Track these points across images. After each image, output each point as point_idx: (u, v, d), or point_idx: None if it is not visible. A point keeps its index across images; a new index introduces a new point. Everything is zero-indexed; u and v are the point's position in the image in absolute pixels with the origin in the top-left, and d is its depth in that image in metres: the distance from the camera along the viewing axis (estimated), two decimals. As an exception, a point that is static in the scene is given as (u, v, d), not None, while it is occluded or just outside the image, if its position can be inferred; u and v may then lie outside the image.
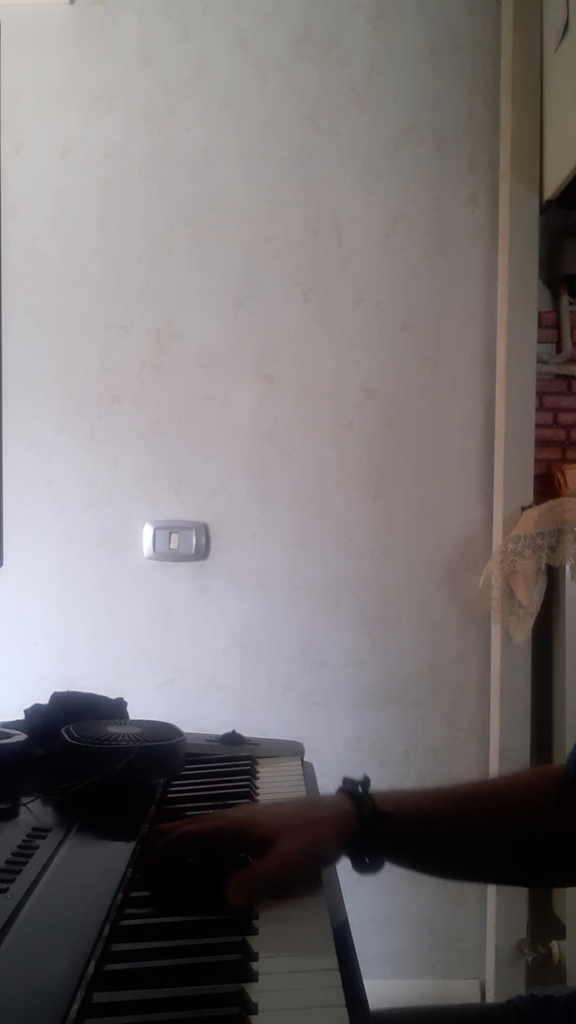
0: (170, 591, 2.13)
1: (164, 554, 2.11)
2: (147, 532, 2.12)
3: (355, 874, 0.79)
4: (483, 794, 0.90)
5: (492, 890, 2.08)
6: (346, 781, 0.82)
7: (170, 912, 0.70)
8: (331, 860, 0.78)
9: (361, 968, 0.64)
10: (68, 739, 0.92)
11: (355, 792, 0.80)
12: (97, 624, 2.13)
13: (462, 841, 0.84)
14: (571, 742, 1.97)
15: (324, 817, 0.78)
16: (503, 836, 0.84)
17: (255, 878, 0.72)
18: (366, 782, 0.82)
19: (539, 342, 2.10)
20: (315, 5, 2.12)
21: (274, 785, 1.03)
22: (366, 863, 0.78)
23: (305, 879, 0.75)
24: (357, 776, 0.84)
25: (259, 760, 1.11)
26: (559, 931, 2.03)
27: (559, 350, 2.15)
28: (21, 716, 1.06)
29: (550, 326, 2.15)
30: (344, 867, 0.80)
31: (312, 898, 0.74)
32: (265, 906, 0.71)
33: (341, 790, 0.82)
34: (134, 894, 0.72)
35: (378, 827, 0.78)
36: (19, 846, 0.77)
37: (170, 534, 2.11)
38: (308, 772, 1.10)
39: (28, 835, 0.80)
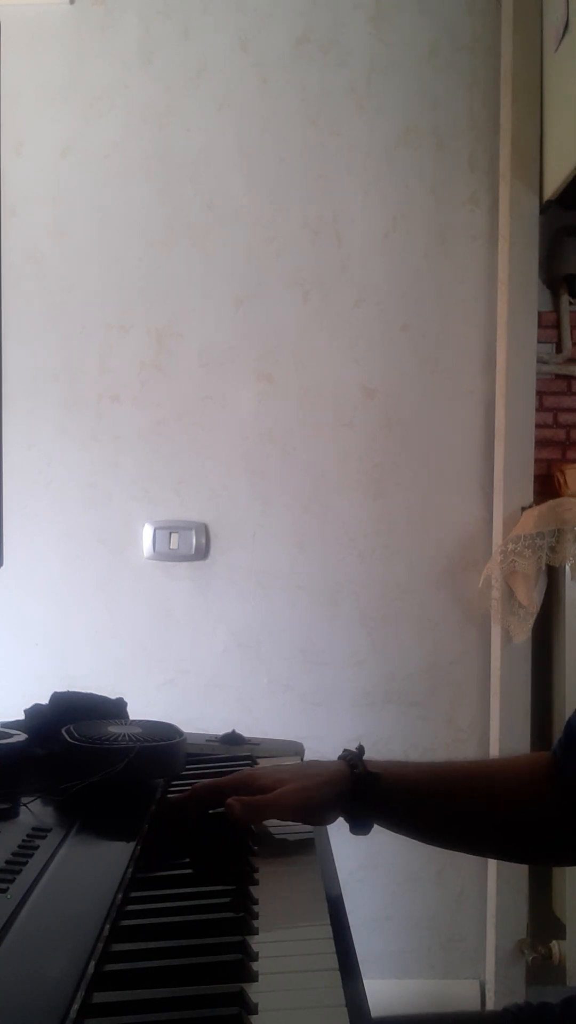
0: (170, 591, 2.13)
1: (164, 554, 2.11)
2: (147, 532, 2.12)
3: (356, 876, 0.81)
4: (470, 773, 0.97)
5: (492, 890, 2.08)
6: (345, 751, 0.92)
7: (171, 912, 0.70)
8: (325, 812, 0.86)
9: (361, 968, 0.64)
10: (68, 739, 0.92)
11: (348, 756, 0.90)
12: (97, 624, 2.13)
13: (444, 808, 0.91)
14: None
15: (319, 773, 0.88)
16: (484, 810, 0.92)
17: (257, 802, 0.83)
18: (361, 750, 0.91)
19: (539, 342, 2.10)
20: (315, 5, 2.12)
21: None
22: (357, 818, 0.87)
23: (301, 819, 0.86)
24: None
25: (259, 760, 1.12)
26: (559, 931, 2.03)
27: (559, 350, 2.15)
28: (21, 716, 1.06)
29: (550, 326, 2.15)
30: (345, 869, 0.80)
31: (312, 898, 0.74)
32: (265, 906, 0.71)
33: (339, 757, 0.91)
34: (134, 894, 0.72)
35: (367, 785, 0.87)
36: (19, 846, 0.77)
37: (170, 534, 2.11)
38: (308, 772, 1.10)
39: (28, 835, 0.80)
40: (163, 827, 0.86)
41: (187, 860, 0.82)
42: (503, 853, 1.16)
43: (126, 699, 1.10)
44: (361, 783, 0.87)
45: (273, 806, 0.84)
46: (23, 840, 0.78)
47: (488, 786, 0.93)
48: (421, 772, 0.93)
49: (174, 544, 2.11)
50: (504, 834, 0.93)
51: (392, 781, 0.88)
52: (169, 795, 0.97)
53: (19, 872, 0.72)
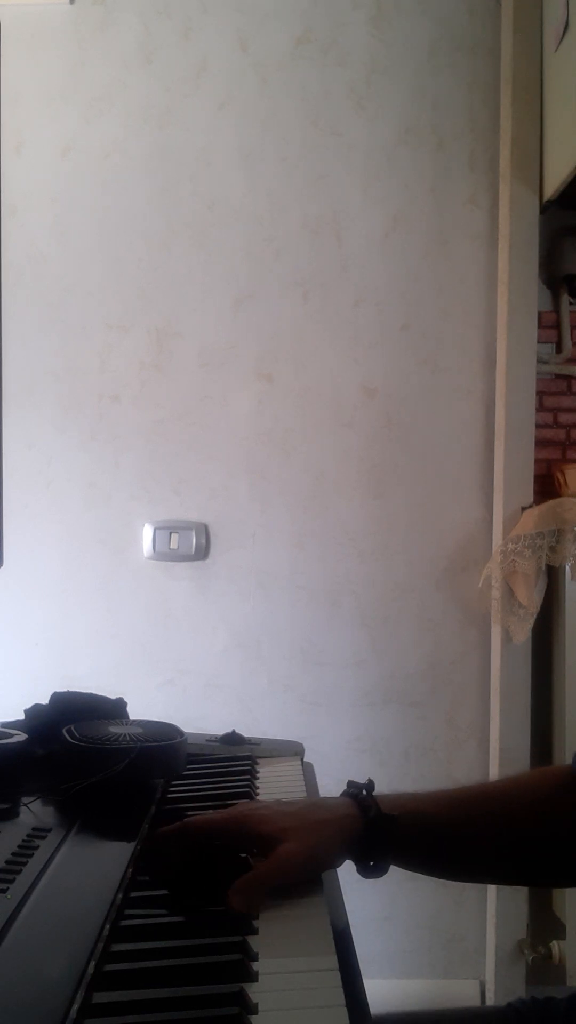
0: (170, 591, 2.13)
1: (164, 554, 2.11)
2: (147, 532, 2.12)
3: (356, 875, 0.80)
4: (486, 796, 0.90)
5: (492, 890, 2.08)
6: (350, 784, 0.83)
7: (170, 912, 0.70)
8: (334, 864, 0.78)
9: (361, 968, 0.64)
10: (69, 739, 0.92)
11: (359, 795, 0.81)
12: (97, 624, 2.13)
13: (465, 843, 0.84)
14: (571, 742, 1.98)
15: (328, 820, 0.78)
16: (505, 838, 0.85)
17: (258, 882, 0.72)
18: (370, 785, 0.82)
19: (539, 342, 2.10)
20: (315, 5, 2.12)
21: (274, 785, 1.03)
22: (370, 866, 0.79)
23: (307, 880, 0.75)
24: (360, 778, 0.84)
25: (259, 760, 1.11)
26: (559, 931, 2.03)
27: (559, 350, 2.15)
28: (21, 716, 1.06)
29: (550, 326, 2.15)
30: (345, 868, 0.80)
31: (312, 898, 0.74)
32: (265, 906, 0.71)
33: (345, 793, 0.82)
34: (134, 894, 0.72)
35: (382, 831, 0.78)
36: (19, 846, 0.77)
37: (170, 534, 2.11)
38: (308, 772, 1.10)
39: (28, 835, 0.80)
40: (168, 821, 0.82)
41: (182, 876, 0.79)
42: (528, 879, 1.06)
43: (126, 699, 1.10)
44: (375, 829, 0.78)
45: (277, 876, 0.73)
46: (23, 840, 0.78)
47: (506, 808, 0.86)
48: (438, 805, 0.84)
49: (174, 544, 2.11)
50: (528, 860, 0.86)
51: (408, 821, 0.79)
52: (169, 796, 0.97)
53: (19, 872, 0.72)
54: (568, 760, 0.90)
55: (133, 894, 0.72)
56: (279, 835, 0.75)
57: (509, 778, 0.94)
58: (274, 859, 0.73)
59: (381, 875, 0.79)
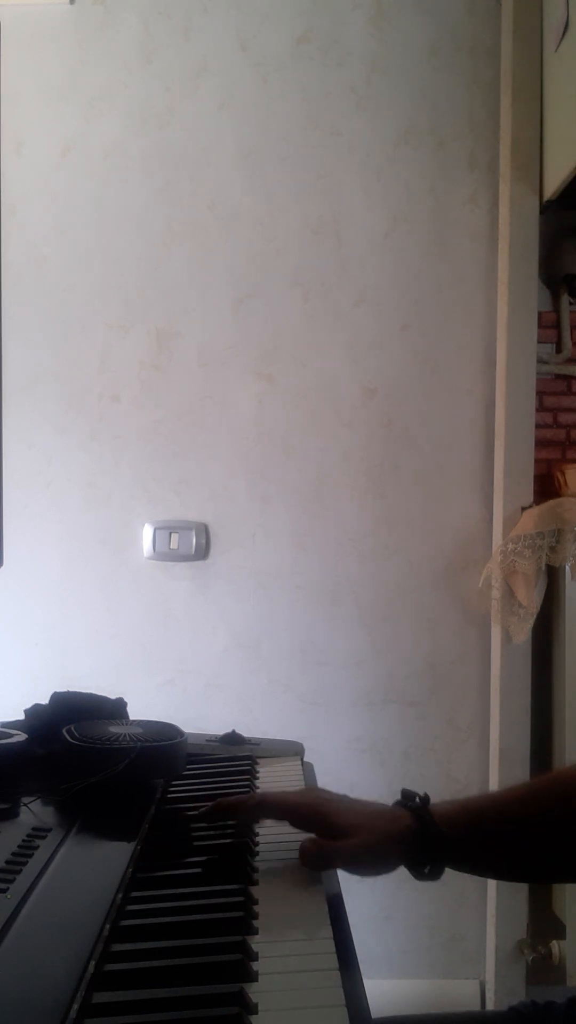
0: (170, 591, 2.13)
1: (164, 554, 2.11)
2: (147, 532, 2.12)
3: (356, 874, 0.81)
4: (525, 799, 0.91)
5: (492, 890, 2.08)
6: (405, 795, 0.86)
7: (170, 912, 0.70)
8: (388, 866, 0.83)
9: (361, 968, 0.64)
10: (69, 739, 0.92)
11: (418, 809, 0.84)
12: (97, 624, 2.13)
13: (521, 848, 0.87)
14: (572, 742, 1.98)
15: (388, 827, 0.82)
16: (546, 839, 0.86)
17: (331, 852, 0.80)
18: (426, 799, 0.85)
19: (539, 342, 2.10)
20: (315, 5, 2.12)
21: (274, 785, 1.03)
22: (424, 873, 0.83)
23: (362, 874, 0.83)
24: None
25: (259, 760, 1.12)
26: (559, 931, 2.03)
27: (559, 350, 2.15)
28: (21, 716, 1.06)
29: (550, 326, 2.15)
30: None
31: (312, 898, 0.74)
32: (265, 906, 0.71)
33: (401, 804, 0.85)
34: (134, 894, 0.72)
35: (438, 846, 0.82)
36: (19, 846, 0.77)
37: (170, 534, 2.11)
38: (308, 772, 1.10)
39: (28, 835, 0.80)
40: (168, 821, 0.84)
41: (188, 860, 0.81)
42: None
43: (126, 699, 1.10)
44: (429, 845, 0.82)
45: (340, 858, 0.80)
46: (23, 840, 0.79)
47: (547, 807, 0.88)
48: (487, 817, 0.87)
49: (174, 544, 2.11)
50: (569, 854, 0.87)
51: (461, 836, 0.83)
52: (169, 796, 0.97)
53: (19, 872, 0.72)
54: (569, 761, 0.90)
55: (133, 894, 0.72)
56: (349, 829, 0.81)
57: (537, 780, 0.95)
58: (345, 845, 0.80)
59: (435, 879, 0.84)
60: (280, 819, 0.84)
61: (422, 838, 0.82)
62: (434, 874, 0.83)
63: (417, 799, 0.85)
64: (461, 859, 0.85)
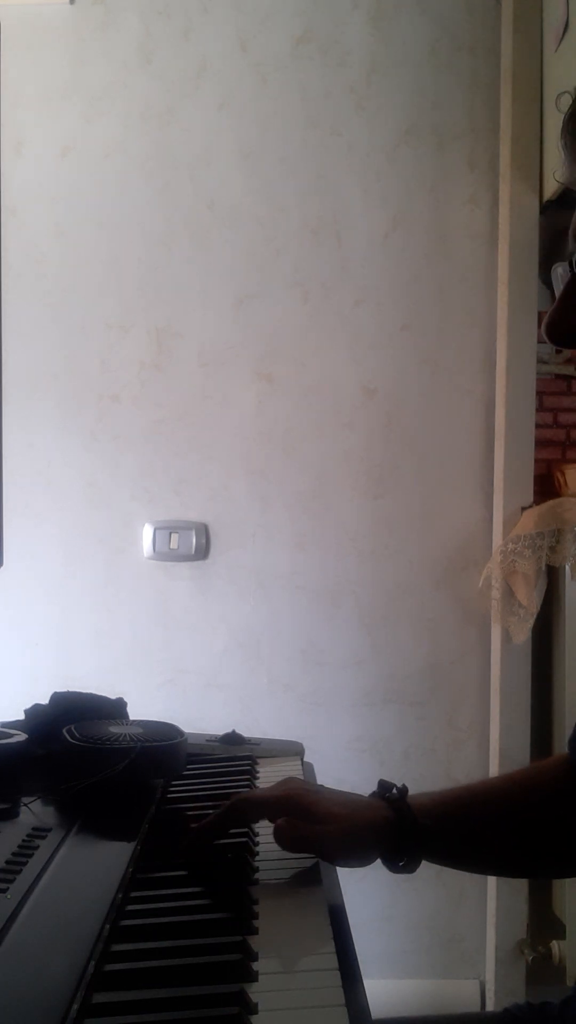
0: (170, 591, 2.13)
1: (164, 554, 2.11)
2: (147, 532, 2.12)
3: (355, 875, 0.81)
4: (499, 791, 0.94)
5: (492, 890, 2.08)
6: (382, 785, 0.86)
7: (170, 912, 0.70)
8: (363, 856, 0.82)
9: (361, 968, 0.64)
10: (70, 739, 0.92)
11: (395, 801, 0.84)
12: (97, 624, 2.13)
13: (486, 844, 0.88)
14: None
15: (365, 817, 0.82)
16: (520, 833, 0.88)
17: (310, 835, 0.78)
18: (403, 790, 0.85)
19: (539, 342, 2.10)
20: (315, 5, 2.12)
21: (274, 785, 1.03)
22: (399, 866, 0.83)
23: (337, 863, 0.81)
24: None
25: (259, 760, 1.11)
26: (559, 931, 2.03)
27: (559, 350, 2.15)
28: (21, 716, 1.06)
29: (550, 326, 2.14)
30: (344, 868, 0.80)
31: (312, 898, 0.74)
32: (265, 906, 0.71)
33: (378, 795, 0.86)
34: (134, 894, 0.72)
35: (415, 838, 0.82)
36: (19, 846, 0.77)
37: (170, 534, 2.11)
38: (308, 772, 1.10)
39: (28, 835, 0.80)
40: (168, 821, 0.84)
41: (186, 863, 0.81)
42: (536, 870, 1.09)
43: (126, 699, 1.10)
44: (406, 836, 0.82)
45: (316, 843, 0.79)
46: (23, 840, 0.79)
47: (513, 803, 0.89)
48: (463, 809, 0.88)
49: (174, 544, 2.11)
50: (535, 848, 0.89)
51: (437, 827, 0.83)
52: (169, 796, 0.97)
53: (19, 872, 0.72)
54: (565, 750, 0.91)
55: (133, 894, 0.72)
56: (326, 817, 0.80)
57: (520, 770, 0.97)
58: (319, 831, 0.79)
59: (410, 872, 0.83)
60: (260, 816, 0.83)
61: (399, 829, 0.81)
62: (409, 867, 0.83)
63: (394, 790, 0.85)
64: (437, 851, 0.85)
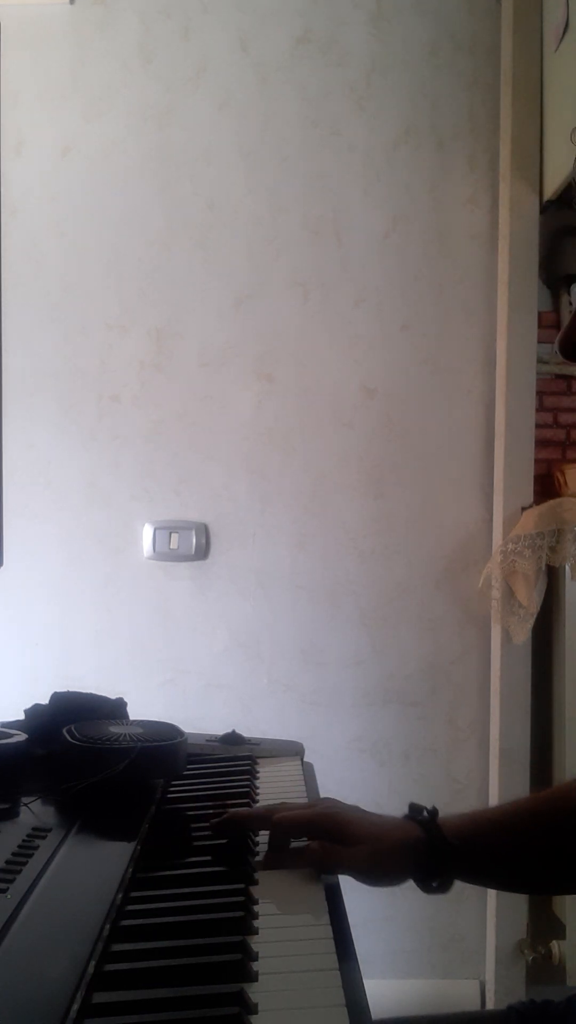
0: (170, 591, 2.13)
1: (164, 554, 2.11)
2: (147, 532, 2.12)
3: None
4: (532, 812, 0.93)
5: (492, 891, 2.07)
6: (413, 808, 0.87)
7: (170, 912, 0.70)
8: (393, 878, 0.84)
9: (361, 968, 0.64)
10: (70, 739, 0.92)
11: (422, 819, 0.85)
12: (97, 624, 2.13)
13: (523, 865, 0.89)
14: (572, 742, 1.97)
15: (397, 839, 0.83)
16: (552, 852, 0.88)
17: (335, 856, 0.80)
18: (434, 812, 0.86)
19: (539, 342, 2.10)
20: (315, 5, 2.12)
21: (274, 785, 1.03)
22: (432, 887, 0.85)
23: (368, 883, 0.83)
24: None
25: (259, 760, 1.12)
26: (559, 931, 2.03)
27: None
28: (21, 716, 1.06)
29: (550, 326, 2.14)
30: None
31: (312, 898, 0.74)
32: (265, 906, 0.71)
33: (410, 817, 0.87)
34: (134, 894, 0.72)
35: (443, 858, 0.83)
36: (19, 846, 0.77)
37: (170, 534, 2.11)
38: (308, 772, 1.10)
39: (28, 835, 0.80)
40: (168, 821, 0.85)
41: (188, 860, 0.81)
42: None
43: (126, 699, 1.10)
44: (438, 857, 0.84)
45: (346, 865, 0.81)
46: (23, 840, 0.79)
47: (554, 820, 0.90)
48: (495, 829, 0.89)
49: (174, 544, 2.11)
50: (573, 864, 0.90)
51: (469, 848, 0.85)
52: (169, 796, 0.97)
53: (19, 872, 0.72)
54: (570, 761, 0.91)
55: (133, 894, 0.72)
56: (360, 839, 0.82)
57: (543, 792, 0.97)
58: (355, 852, 0.81)
59: (444, 893, 0.85)
60: (297, 836, 0.84)
61: (431, 849, 0.83)
62: (443, 887, 0.84)
63: (425, 812, 0.86)
64: (469, 871, 0.86)
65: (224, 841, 0.84)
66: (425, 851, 0.83)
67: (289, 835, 0.84)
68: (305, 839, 0.83)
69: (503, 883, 0.97)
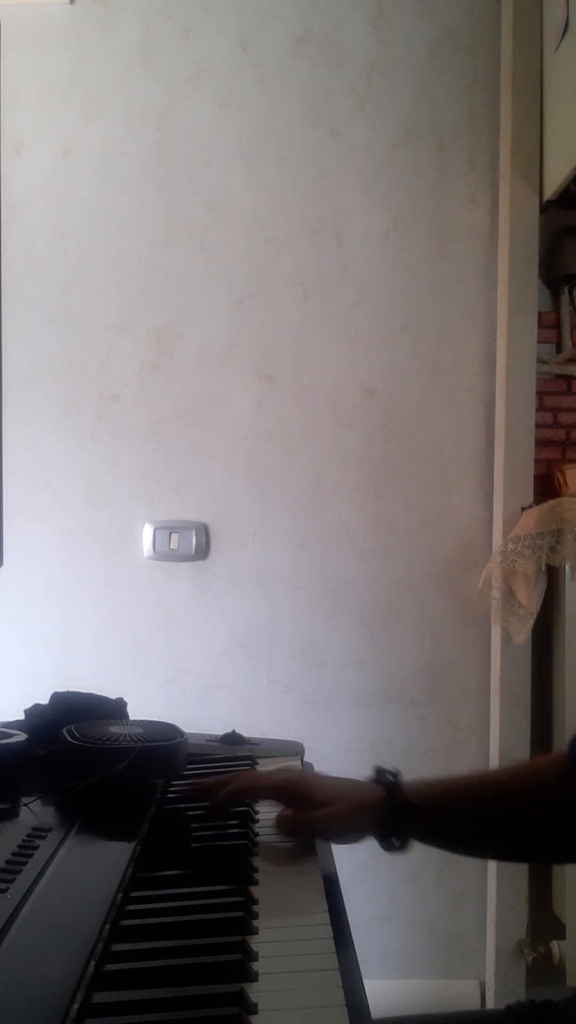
0: (170, 591, 2.13)
1: (164, 554, 2.11)
2: (147, 532, 2.12)
3: (356, 875, 0.83)
4: (489, 784, 0.99)
5: (492, 890, 2.08)
6: (378, 771, 0.92)
7: (170, 912, 0.70)
8: (359, 833, 0.89)
9: (361, 968, 0.64)
10: (70, 739, 0.92)
11: (388, 783, 0.90)
12: (97, 624, 2.13)
13: (477, 827, 0.93)
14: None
15: (360, 798, 0.89)
16: (510, 820, 0.92)
17: (308, 824, 0.87)
18: (397, 773, 0.91)
19: (539, 342, 2.10)
20: (315, 5, 2.12)
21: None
22: (392, 845, 0.89)
23: (337, 842, 0.89)
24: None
25: (259, 760, 1.12)
26: (559, 931, 2.03)
27: (559, 350, 2.15)
28: (21, 716, 1.06)
29: (550, 326, 2.15)
30: (345, 868, 0.81)
31: (313, 898, 0.74)
32: (265, 906, 0.71)
33: (374, 780, 0.91)
34: (134, 894, 0.72)
35: (404, 816, 0.88)
36: (19, 846, 0.77)
37: (170, 534, 2.11)
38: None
39: (28, 835, 0.80)
40: (168, 821, 0.86)
41: (188, 860, 0.82)
42: (528, 856, 1.18)
43: (126, 699, 1.10)
44: (398, 814, 0.88)
45: (317, 827, 0.87)
46: (23, 840, 0.79)
47: (510, 794, 0.93)
48: (455, 792, 0.93)
49: (174, 544, 2.11)
50: (529, 838, 0.94)
51: (429, 809, 0.89)
52: (169, 796, 0.97)
53: (19, 872, 0.72)
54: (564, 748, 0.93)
55: (133, 894, 0.72)
56: (325, 801, 0.88)
57: (526, 762, 1.01)
58: (320, 816, 0.87)
59: (403, 851, 0.89)
60: (261, 799, 0.91)
61: (391, 807, 0.87)
62: (402, 846, 0.89)
63: (388, 774, 0.90)
64: (429, 832, 0.90)
65: (224, 832, 0.86)
66: (386, 808, 0.87)
67: (254, 798, 0.92)
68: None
69: (460, 847, 1.00)
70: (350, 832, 0.89)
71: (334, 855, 0.88)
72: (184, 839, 0.87)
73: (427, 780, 0.92)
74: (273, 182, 2.12)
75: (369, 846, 0.90)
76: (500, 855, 1.07)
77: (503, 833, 0.93)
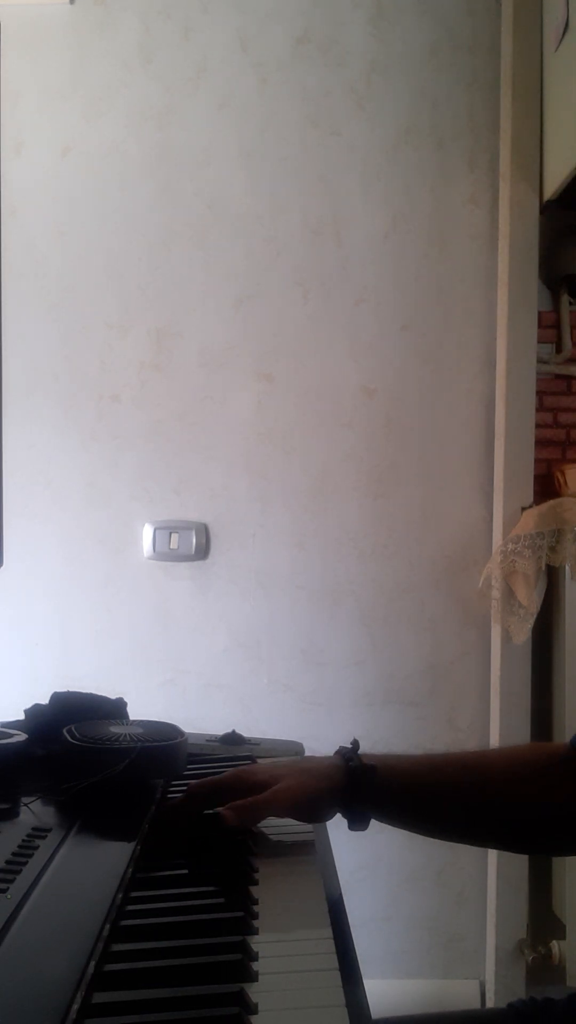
0: (170, 591, 2.13)
1: (164, 554, 2.11)
2: (147, 532, 2.12)
3: (356, 875, 0.82)
4: (467, 762, 0.97)
5: (492, 890, 2.08)
6: (340, 747, 0.92)
7: (170, 912, 0.70)
8: (320, 805, 0.86)
9: (361, 968, 0.64)
10: (70, 739, 0.92)
11: (344, 750, 0.90)
12: (97, 624, 2.13)
13: (441, 801, 0.91)
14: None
15: (314, 768, 0.88)
16: (481, 801, 0.90)
17: (253, 805, 0.83)
18: (356, 744, 0.91)
19: (539, 342, 2.10)
20: (315, 5, 2.12)
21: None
22: (354, 815, 0.87)
23: (297, 817, 0.86)
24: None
25: (259, 760, 1.11)
26: (559, 931, 2.03)
27: (559, 350, 2.15)
28: (21, 716, 1.06)
29: (550, 326, 2.15)
30: (344, 868, 0.80)
31: (312, 898, 0.74)
32: (266, 906, 0.71)
33: (335, 753, 0.92)
34: (134, 894, 0.72)
35: (363, 778, 0.86)
36: (19, 846, 0.77)
37: (170, 534, 2.11)
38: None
39: (28, 835, 0.80)
40: (161, 830, 0.85)
41: (186, 863, 0.81)
42: (504, 844, 1.15)
43: (126, 699, 1.10)
44: (356, 777, 0.86)
45: (268, 806, 0.84)
46: (23, 840, 0.78)
47: (485, 777, 0.92)
48: (418, 764, 0.93)
49: (174, 544, 2.11)
50: (505, 826, 0.92)
51: (388, 773, 0.88)
52: (169, 796, 0.97)
53: (19, 872, 0.71)
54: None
55: (133, 894, 0.72)
56: (273, 780, 0.85)
57: (497, 749, 1.00)
58: (269, 792, 0.84)
59: (364, 827, 0.87)
60: (210, 801, 0.86)
61: (347, 772, 0.86)
62: (362, 819, 0.86)
63: (346, 748, 0.91)
64: (388, 805, 0.88)
65: (223, 844, 0.85)
66: (343, 774, 0.86)
67: (208, 803, 0.86)
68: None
69: (419, 824, 0.96)
70: (307, 804, 0.86)
71: (334, 853, 0.88)
72: (184, 839, 0.87)
73: (391, 753, 0.92)
74: (273, 182, 2.12)
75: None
76: (466, 838, 1.03)
77: (467, 815, 0.91)
